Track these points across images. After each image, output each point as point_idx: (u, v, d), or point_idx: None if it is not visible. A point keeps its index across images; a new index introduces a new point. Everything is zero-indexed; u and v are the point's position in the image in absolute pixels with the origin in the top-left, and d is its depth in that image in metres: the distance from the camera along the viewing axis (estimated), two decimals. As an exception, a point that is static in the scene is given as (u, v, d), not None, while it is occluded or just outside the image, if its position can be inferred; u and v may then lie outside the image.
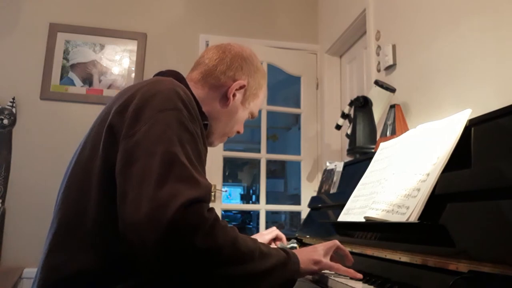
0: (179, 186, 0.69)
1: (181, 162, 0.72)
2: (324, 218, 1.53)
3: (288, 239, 1.39)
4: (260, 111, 3.02)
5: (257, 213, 3.07)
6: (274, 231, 1.34)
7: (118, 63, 2.90)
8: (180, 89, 0.84)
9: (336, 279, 0.91)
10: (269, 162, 3.41)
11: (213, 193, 2.77)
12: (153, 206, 0.66)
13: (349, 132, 1.95)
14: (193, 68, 1.08)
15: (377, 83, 1.88)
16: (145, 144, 0.73)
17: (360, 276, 0.92)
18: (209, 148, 0.99)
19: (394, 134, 1.64)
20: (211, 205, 0.76)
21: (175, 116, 0.78)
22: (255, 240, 0.82)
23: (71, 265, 0.75)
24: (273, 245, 1.28)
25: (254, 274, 0.76)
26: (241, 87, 1.05)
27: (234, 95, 1.05)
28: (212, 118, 1.03)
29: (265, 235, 1.32)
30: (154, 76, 1.01)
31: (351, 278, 0.92)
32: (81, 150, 0.86)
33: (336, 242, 0.98)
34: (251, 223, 5.80)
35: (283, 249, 0.87)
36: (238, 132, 1.15)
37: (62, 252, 0.77)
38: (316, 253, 0.92)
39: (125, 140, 0.76)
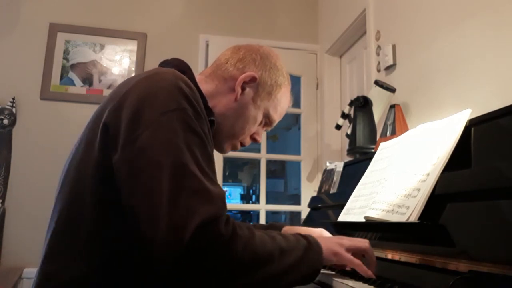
0: (193, 202, 0.66)
1: (192, 173, 0.68)
2: (324, 218, 1.53)
3: None
4: (260, 111, 3.05)
5: (257, 213, 3.07)
6: None
7: (118, 63, 2.90)
8: (182, 83, 0.76)
9: (337, 279, 0.91)
10: (269, 162, 3.41)
11: (213, 193, 2.77)
12: (170, 227, 0.63)
13: (349, 132, 1.95)
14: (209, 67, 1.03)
15: (377, 83, 1.88)
16: (151, 154, 0.68)
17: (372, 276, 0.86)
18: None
19: (394, 134, 1.64)
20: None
21: (179, 118, 0.71)
22: (274, 236, 0.77)
23: (63, 274, 0.72)
24: None
25: (274, 275, 0.73)
26: (251, 80, 0.95)
27: (243, 89, 0.96)
28: (219, 114, 0.94)
29: None
30: (159, 65, 0.95)
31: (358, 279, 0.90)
32: (75, 151, 0.81)
33: (367, 245, 0.88)
34: (251, 223, 5.80)
35: (305, 237, 0.81)
36: (254, 140, 1.05)
37: (56, 259, 0.74)
38: (338, 246, 0.85)
39: (127, 147, 0.70)
